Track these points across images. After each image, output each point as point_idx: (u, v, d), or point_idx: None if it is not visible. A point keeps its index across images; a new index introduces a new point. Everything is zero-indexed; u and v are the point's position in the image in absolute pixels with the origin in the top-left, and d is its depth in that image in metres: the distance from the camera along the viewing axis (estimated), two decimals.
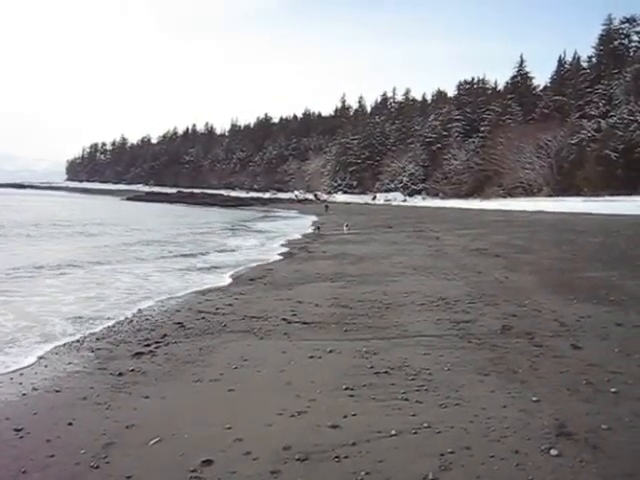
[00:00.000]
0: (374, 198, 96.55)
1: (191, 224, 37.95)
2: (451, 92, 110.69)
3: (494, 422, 4.49)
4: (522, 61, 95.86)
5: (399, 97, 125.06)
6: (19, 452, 4.10)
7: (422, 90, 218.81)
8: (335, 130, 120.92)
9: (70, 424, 4.58)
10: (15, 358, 6.55)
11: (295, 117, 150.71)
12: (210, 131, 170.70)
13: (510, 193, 72.02)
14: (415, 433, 4.33)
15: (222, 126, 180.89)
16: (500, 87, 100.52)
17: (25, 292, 10.85)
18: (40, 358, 6.57)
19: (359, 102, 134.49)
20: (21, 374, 5.99)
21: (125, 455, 4.03)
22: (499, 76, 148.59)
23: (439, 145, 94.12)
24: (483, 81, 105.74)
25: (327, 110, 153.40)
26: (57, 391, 5.44)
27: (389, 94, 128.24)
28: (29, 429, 4.50)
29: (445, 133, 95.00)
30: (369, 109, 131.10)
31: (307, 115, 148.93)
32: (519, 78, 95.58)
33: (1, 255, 17.58)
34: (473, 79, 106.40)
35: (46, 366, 6.27)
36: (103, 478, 3.69)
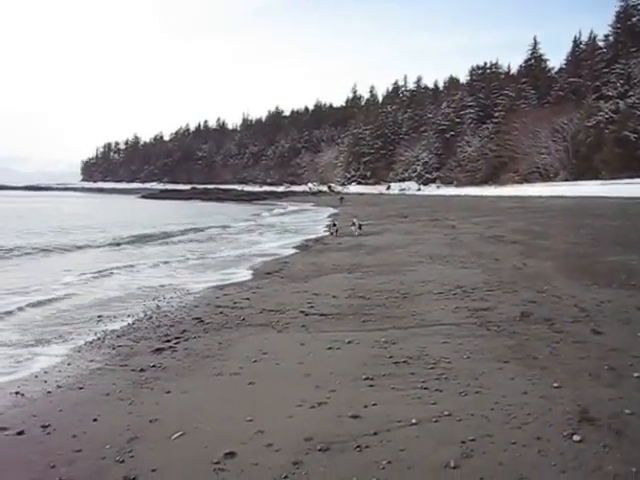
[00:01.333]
0: (388, 188, 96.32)
1: (206, 218, 38.11)
2: (463, 78, 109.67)
3: (515, 409, 4.47)
4: (536, 43, 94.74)
5: (411, 85, 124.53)
6: (47, 448, 4.18)
7: (434, 77, 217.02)
8: (347, 121, 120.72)
9: (95, 420, 4.64)
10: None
11: (306, 109, 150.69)
12: (222, 126, 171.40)
13: (526, 179, 71.35)
14: (436, 421, 4.33)
15: (234, 121, 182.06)
16: (513, 71, 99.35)
17: None
18: (65, 356, 6.65)
19: (370, 92, 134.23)
20: (45, 372, 6.07)
21: (149, 449, 4.08)
22: (512, 60, 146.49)
23: (452, 132, 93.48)
24: (496, 66, 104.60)
25: (338, 101, 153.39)
26: (80, 388, 5.51)
27: (400, 83, 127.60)
28: (55, 425, 4.57)
29: (458, 120, 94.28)
30: (381, 99, 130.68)
31: (318, 107, 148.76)
32: (533, 61, 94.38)
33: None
34: (485, 64, 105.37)
35: (69, 364, 6.35)
36: (129, 472, 3.74)
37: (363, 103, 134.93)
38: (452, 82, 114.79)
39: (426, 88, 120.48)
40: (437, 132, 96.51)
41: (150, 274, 13.32)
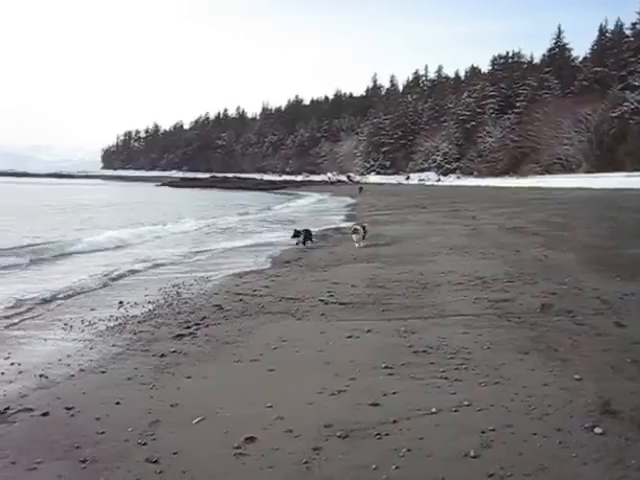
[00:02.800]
0: (407, 178, 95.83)
1: (225, 208, 38.29)
2: (485, 68, 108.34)
3: (535, 400, 4.45)
4: (560, 32, 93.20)
5: (431, 75, 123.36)
6: (71, 429, 4.26)
7: (455, 67, 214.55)
8: (367, 110, 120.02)
9: (117, 403, 4.72)
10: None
11: (326, 98, 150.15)
12: (241, 115, 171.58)
13: (547, 170, 70.50)
14: (455, 411, 4.33)
15: (253, 110, 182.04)
16: (536, 61, 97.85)
17: None
18: (87, 341, 6.76)
19: (391, 81, 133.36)
20: (68, 356, 6.17)
21: (171, 432, 4.14)
22: (535, 50, 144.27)
23: (473, 123, 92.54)
24: (518, 55, 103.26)
25: (358, 90, 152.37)
26: (103, 372, 5.59)
27: (421, 72, 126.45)
28: (79, 407, 4.65)
29: (479, 110, 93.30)
30: (401, 88, 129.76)
31: (338, 96, 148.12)
32: (557, 50, 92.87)
33: None
34: (508, 53, 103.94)
35: (91, 348, 6.44)
36: (151, 454, 3.80)
37: (383, 93, 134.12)
38: (473, 72, 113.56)
39: (447, 78, 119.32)
40: (458, 122, 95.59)
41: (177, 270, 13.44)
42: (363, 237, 14.98)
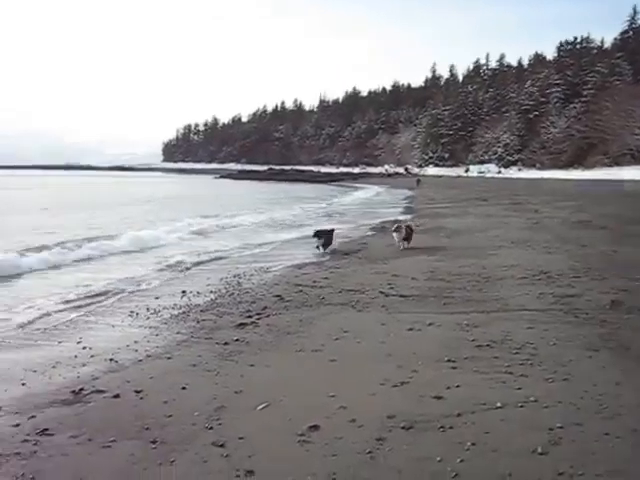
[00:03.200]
0: (467, 170, 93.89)
1: (283, 199, 38.66)
2: (550, 55, 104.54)
3: (607, 399, 4.30)
4: (635, 13, 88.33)
5: (493, 64, 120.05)
6: (140, 411, 4.43)
7: (518, 55, 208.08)
8: (425, 101, 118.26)
9: (183, 388, 4.87)
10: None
11: (384, 90, 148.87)
12: (299, 107, 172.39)
13: (617, 161, 67.53)
14: (521, 406, 4.25)
15: (311, 102, 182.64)
16: (607, 45, 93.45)
17: None
18: (152, 328, 6.99)
19: (450, 71, 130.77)
20: (135, 342, 6.40)
21: (236, 418, 4.24)
22: (605, 35, 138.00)
23: (536, 113, 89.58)
24: (587, 40, 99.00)
25: (417, 81, 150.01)
26: (169, 358, 5.78)
27: (482, 61, 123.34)
28: (147, 391, 4.83)
29: (543, 99, 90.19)
30: (461, 78, 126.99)
31: (396, 87, 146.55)
32: (631, 33, 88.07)
33: None
34: (575, 39, 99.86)
35: (157, 335, 6.66)
36: (218, 438, 3.90)
37: (442, 83, 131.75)
38: (537, 59, 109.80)
39: (509, 66, 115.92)
40: (520, 112, 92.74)
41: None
42: (408, 238, 13.03)
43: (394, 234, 13.10)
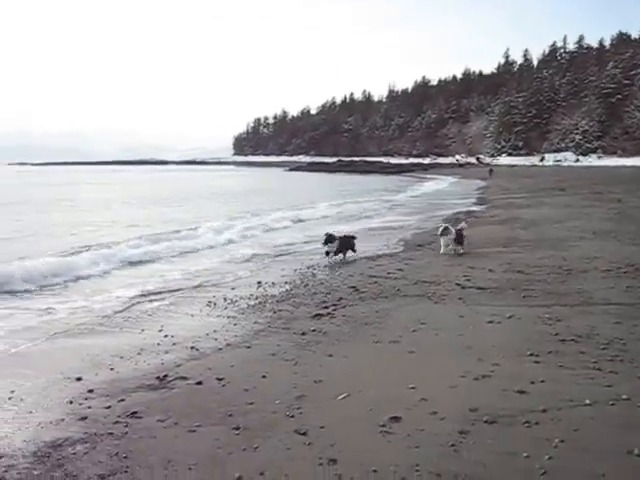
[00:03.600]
0: (542, 159, 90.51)
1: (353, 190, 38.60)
2: (635, 33, 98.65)
3: None
4: None
5: (571, 46, 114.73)
6: (223, 398, 4.56)
7: (598, 35, 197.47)
8: (498, 89, 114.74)
9: (264, 377, 4.97)
10: None
11: (454, 78, 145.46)
12: (368, 98, 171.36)
13: None
14: (612, 405, 4.06)
15: (380, 92, 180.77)
16: None
17: None
18: (230, 318, 7.15)
19: (524, 56, 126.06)
20: (215, 331, 6.57)
21: (316, 407, 4.28)
22: None
23: (619, 96, 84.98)
24: None
25: (489, 68, 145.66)
26: (248, 347, 5.91)
27: (559, 44, 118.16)
28: (228, 379, 4.97)
29: (627, 82, 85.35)
30: (536, 63, 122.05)
31: (467, 75, 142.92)
32: None
33: None
34: None
35: (235, 325, 6.82)
36: (299, 426, 3.96)
37: (516, 69, 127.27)
38: (621, 39, 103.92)
39: (589, 48, 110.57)
40: (600, 97, 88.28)
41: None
42: (460, 241, 11.17)
43: (441, 239, 11.08)
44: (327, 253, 11.01)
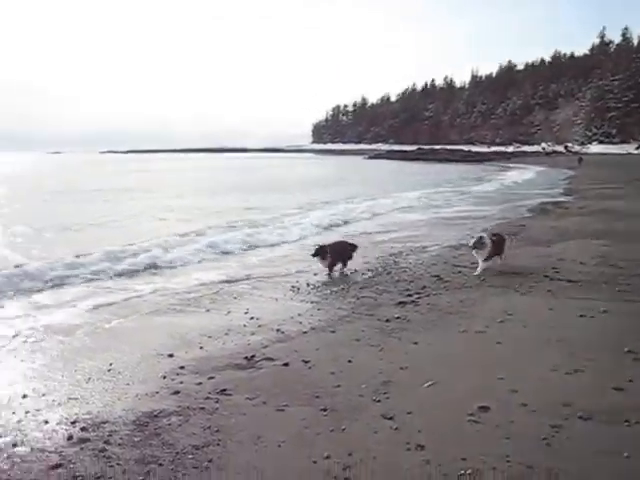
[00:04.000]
0: (638, 147, 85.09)
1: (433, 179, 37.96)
2: None
3: None
4: None
5: None
6: (310, 380, 4.67)
7: None
8: (591, 72, 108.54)
9: (349, 361, 5.03)
10: None
11: (542, 61, 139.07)
12: (449, 85, 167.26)
13: None
14: None
15: (462, 79, 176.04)
16: None
17: None
18: (313, 303, 7.27)
19: (623, 35, 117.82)
20: (299, 314, 6.70)
21: (402, 394, 4.30)
22: None
23: None
24: None
25: (581, 50, 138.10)
26: (332, 332, 5.99)
27: None
28: (314, 362, 5.07)
29: None
30: (636, 42, 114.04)
31: (556, 57, 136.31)
32: None
33: None
34: None
35: (319, 309, 6.93)
36: (385, 411, 4.00)
37: (612, 49, 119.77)
38: None
39: None
40: None
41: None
42: (498, 251, 8.69)
43: (474, 252, 8.55)
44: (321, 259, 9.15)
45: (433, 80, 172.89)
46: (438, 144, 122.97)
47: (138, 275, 9.48)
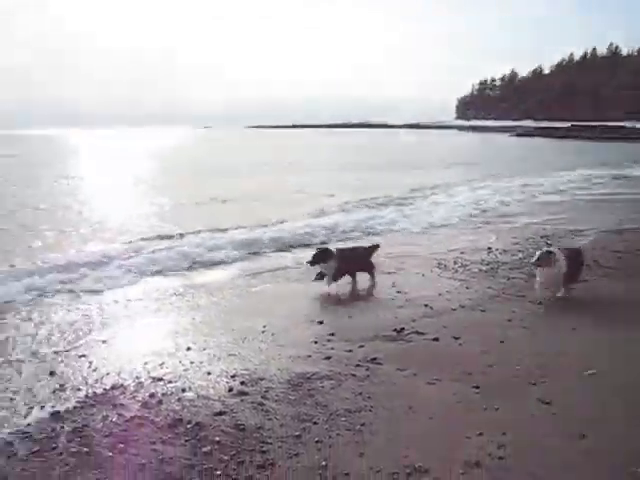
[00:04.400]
0: None
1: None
2: None
3: None
4: None
5: None
6: (460, 356, 4.66)
7: None
8: None
9: (502, 342, 4.96)
10: None
11: None
12: (614, 53, 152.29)
13: None
14: None
15: (631, 46, 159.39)
16: None
17: None
18: (461, 281, 7.15)
19: None
20: (447, 291, 6.64)
21: (560, 379, 4.16)
22: None
23: None
24: None
25: None
26: (482, 311, 5.91)
27: None
28: (464, 339, 5.05)
29: None
30: None
31: None
32: None
33: None
34: None
35: (467, 288, 6.83)
36: (542, 395, 3.87)
37: None
38: None
39: None
40: None
41: None
42: (572, 275, 6.26)
43: (537, 271, 6.31)
44: (321, 277, 7.20)
45: (594, 49, 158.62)
46: (597, 121, 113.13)
47: (286, 249, 9.72)
